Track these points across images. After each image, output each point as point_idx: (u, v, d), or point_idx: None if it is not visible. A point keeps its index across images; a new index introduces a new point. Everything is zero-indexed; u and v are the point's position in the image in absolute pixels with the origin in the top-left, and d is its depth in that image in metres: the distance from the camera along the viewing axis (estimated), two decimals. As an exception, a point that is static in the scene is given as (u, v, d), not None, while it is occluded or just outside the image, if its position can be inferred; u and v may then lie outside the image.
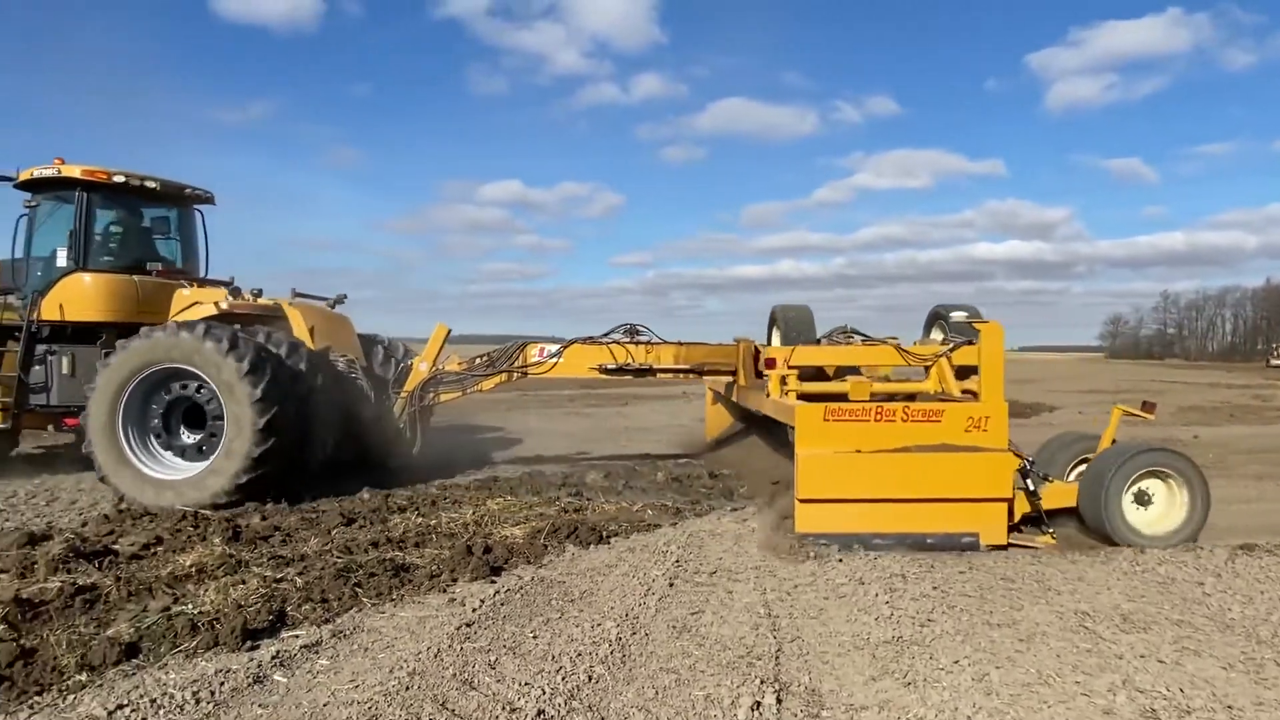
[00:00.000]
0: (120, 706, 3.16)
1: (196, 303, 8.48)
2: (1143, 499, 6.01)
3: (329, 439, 8.15)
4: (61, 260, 8.55)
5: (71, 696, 3.27)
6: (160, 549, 5.40)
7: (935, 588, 4.77)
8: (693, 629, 4.14)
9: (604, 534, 6.09)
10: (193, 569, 4.87)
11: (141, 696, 3.24)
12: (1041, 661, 3.70)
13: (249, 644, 3.81)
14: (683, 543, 5.91)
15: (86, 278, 8.53)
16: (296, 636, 3.96)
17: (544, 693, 3.34)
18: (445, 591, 4.73)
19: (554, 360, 8.13)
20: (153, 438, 7.63)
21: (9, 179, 8.82)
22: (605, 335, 8.04)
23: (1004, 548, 5.76)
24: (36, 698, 3.25)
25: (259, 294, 8.98)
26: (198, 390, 7.53)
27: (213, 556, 5.07)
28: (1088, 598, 4.62)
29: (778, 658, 3.76)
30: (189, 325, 7.56)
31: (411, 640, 3.94)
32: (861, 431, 5.85)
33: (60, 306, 8.46)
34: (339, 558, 5.26)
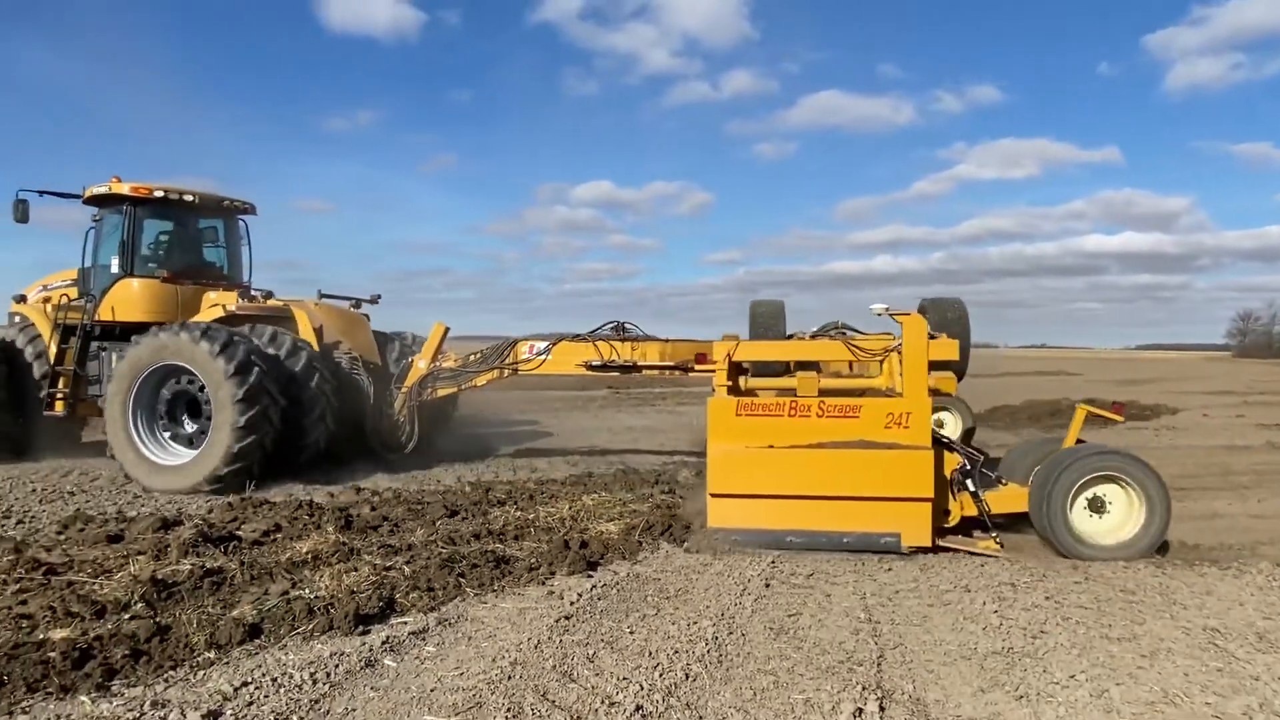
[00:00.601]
0: (245, 684, 3.35)
1: (216, 304, 9.49)
2: (1098, 506, 5.58)
3: (324, 432, 8.78)
4: (115, 268, 9.58)
5: (201, 672, 3.48)
6: (279, 536, 5.70)
7: (1048, 598, 4.55)
8: (790, 631, 4.09)
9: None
10: (309, 555, 5.12)
11: (264, 675, 3.43)
12: (1167, 680, 3.48)
13: (361, 629, 3.98)
14: (779, 543, 5.83)
15: (134, 283, 9.53)
16: (405, 623, 4.11)
17: (642, 688, 3.36)
18: (544, 584, 4.82)
19: (542, 357, 8.23)
20: (159, 425, 8.45)
21: (76, 196, 9.88)
22: (592, 332, 8.12)
23: (930, 550, 5.56)
24: (171, 672, 3.48)
25: (269, 296, 9.85)
26: (188, 383, 8.30)
27: (327, 544, 5.32)
28: (1218, 613, 4.32)
29: (879, 664, 3.66)
30: (190, 326, 8.38)
31: (512, 630, 4.03)
32: (775, 427, 5.78)
33: (112, 308, 9.49)
34: (443, 548, 5.43)
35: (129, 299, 9.50)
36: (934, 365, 6.38)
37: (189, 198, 9.87)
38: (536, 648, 3.80)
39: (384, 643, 3.82)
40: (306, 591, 4.45)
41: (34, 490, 7.76)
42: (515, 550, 5.51)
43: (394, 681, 3.44)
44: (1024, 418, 16.56)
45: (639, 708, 3.19)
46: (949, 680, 3.52)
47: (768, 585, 4.84)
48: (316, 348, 9.09)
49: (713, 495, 5.85)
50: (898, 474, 5.58)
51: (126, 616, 4.02)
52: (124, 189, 9.51)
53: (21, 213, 9.80)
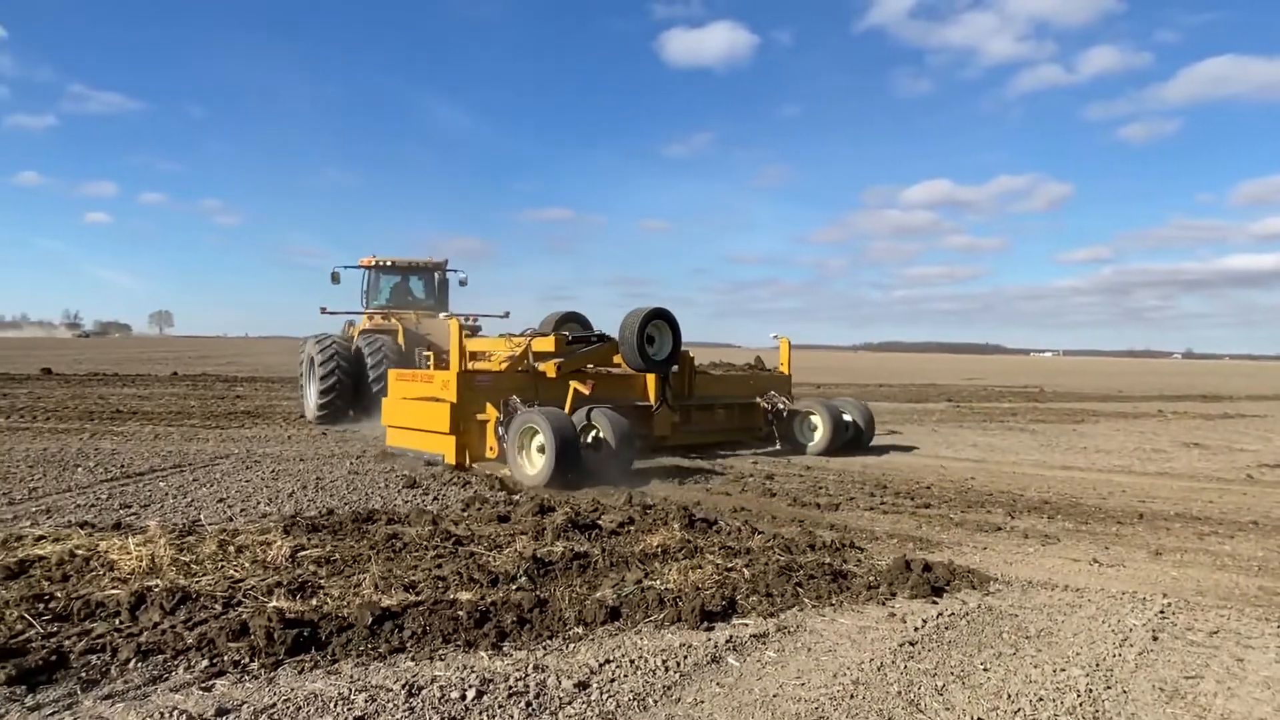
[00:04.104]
0: (607, 661, 3.69)
1: (357, 324, 15.51)
2: (543, 449, 8.42)
3: (382, 398, 12.71)
4: (361, 306, 15.84)
5: (572, 645, 3.90)
6: (632, 528, 6.20)
7: None
8: (1188, 696, 3.47)
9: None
10: (658, 549, 5.50)
11: (623, 655, 3.75)
12: None
13: (705, 624, 4.17)
14: (1168, 587, 5.01)
15: (367, 317, 15.53)
16: (746, 625, 4.22)
17: (999, 732, 3.08)
18: (884, 605, 4.65)
19: None
20: (317, 389, 13.86)
21: (355, 266, 15.85)
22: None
23: (458, 468, 9.11)
24: (548, 641, 3.95)
25: (388, 316, 15.16)
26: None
27: (674, 540, 5.68)
28: None
29: (1318, 756, 2.96)
30: (316, 335, 14.34)
31: (853, 648, 3.95)
32: (409, 386, 10.19)
33: (361, 332, 15.13)
34: (780, 556, 5.49)
35: (364, 325, 15.34)
36: (549, 355, 9.93)
37: (389, 262, 15.68)
38: (879, 670, 3.68)
39: (727, 641, 3.96)
40: (657, 583, 4.78)
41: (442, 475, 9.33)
42: (853, 565, 5.39)
43: (737, 681, 3.55)
44: None
45: (997, 753, 2.94)
46: None
47: (1155, 638, 4.16)
48: (404, 349, 13.99)
49: (387, 426, 10.31)
50: (435, 418, 9.31)
51: (513, 587, 4.65)
52: (363, 260, 15.67)
53: (335, 278, 15.50)
